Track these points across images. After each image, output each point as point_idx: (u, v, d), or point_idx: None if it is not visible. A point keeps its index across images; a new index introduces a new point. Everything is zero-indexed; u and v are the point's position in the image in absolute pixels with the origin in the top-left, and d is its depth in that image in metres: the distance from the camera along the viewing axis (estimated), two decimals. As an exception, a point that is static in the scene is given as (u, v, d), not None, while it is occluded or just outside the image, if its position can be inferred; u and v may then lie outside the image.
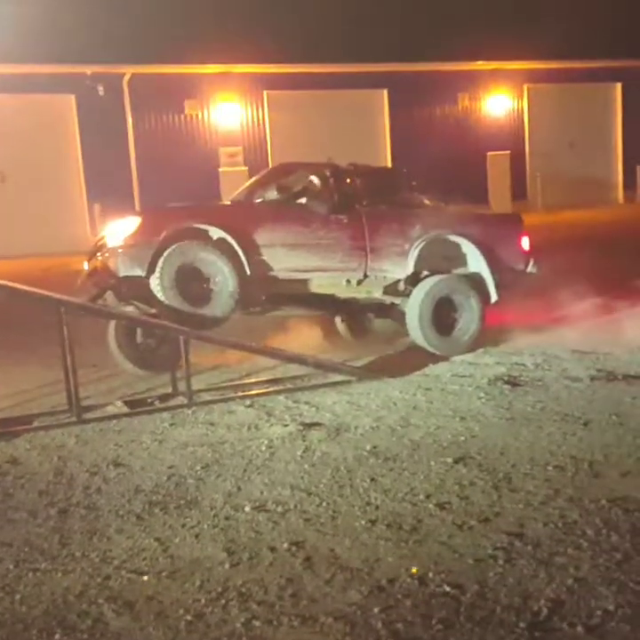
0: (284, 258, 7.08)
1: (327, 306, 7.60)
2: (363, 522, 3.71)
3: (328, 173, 7.47)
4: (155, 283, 6.64)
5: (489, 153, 25.83)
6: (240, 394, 6.27)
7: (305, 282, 7.27)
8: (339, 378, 6.47)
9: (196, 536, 3.73)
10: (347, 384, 6.36)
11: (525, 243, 7.71)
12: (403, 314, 7.36)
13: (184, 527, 3.86)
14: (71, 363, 5.75)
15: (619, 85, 27.87)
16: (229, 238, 6.95)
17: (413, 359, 7.12)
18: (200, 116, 23.43)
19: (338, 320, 8.09)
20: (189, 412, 5.89)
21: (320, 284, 7.31)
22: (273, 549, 3.50)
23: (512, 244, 7.66)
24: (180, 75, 22.75)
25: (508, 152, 26.46)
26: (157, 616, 2.99)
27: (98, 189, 21.68)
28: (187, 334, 6.12)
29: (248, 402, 6.06)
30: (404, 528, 3.62)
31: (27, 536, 3.86)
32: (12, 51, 19.72)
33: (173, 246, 6.71)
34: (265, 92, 24.04)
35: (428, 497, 3.97)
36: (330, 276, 7.27)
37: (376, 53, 23.49)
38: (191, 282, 6.74)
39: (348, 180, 7.57)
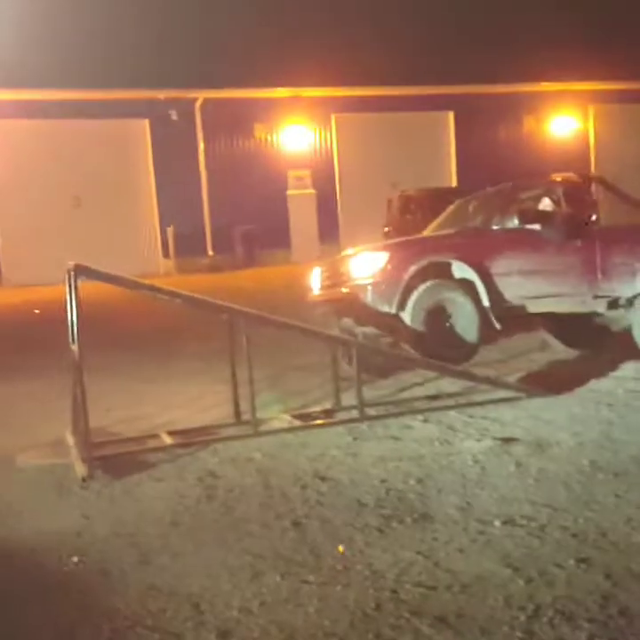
0: (519, 285, 7.12)
1: (545, 321, 7.71)
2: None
3: (563, 193, 7.40)
4: (406, 317, 6.90)
5: (554, 174, 25.59)
6: (411, 409, 6.13)
7: (534, 305, 7.30)
8: (506, 394, 6.28)
9: (460, 551, 3.55)
10: (516, 400, 6.17)
11: None
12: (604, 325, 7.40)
13: (437, 541, 3.68)
14: (249, 375, 5.63)
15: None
16: (473, 274, 7.06)
17: (567, 375, 6.92)
18: (269, 139, 23.58)
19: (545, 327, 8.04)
20: (364, 426, 5.74)
21: (548, 306, 7.32)
22: (560, 566, 3.30)
23: None
24: (250, 99, 22.96)
25: (574, 173, 26.21)
26: (483, 633, 2.81)
27: (170, 213, 21.87)
28: (359, 347, 5.98)
29: (420, 417, 5.90)
30: (693, 544, 3.41)
31: (274, 548, 3.71)
32: (88, 77, 20.04)
33: (425, 286, 6.91)
34: (333, 115, 24.16)
35: (698, 513, 3.76)
36: (560, 300, 7.24)
37: (442, 76, 23.50)
38: (439, 318, 6.98)
39: (581, 198, 7.54)
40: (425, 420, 5.80)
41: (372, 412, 6.08)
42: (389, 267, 7.02)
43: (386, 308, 6.95)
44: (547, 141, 26.32)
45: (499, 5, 24.07)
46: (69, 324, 5.29)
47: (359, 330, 7.22)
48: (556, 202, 7.39)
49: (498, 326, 7.10)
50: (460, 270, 7.13)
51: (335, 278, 7.38)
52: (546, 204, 7.40)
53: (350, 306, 7.09)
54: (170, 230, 21.63)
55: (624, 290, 7.24)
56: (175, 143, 22.01)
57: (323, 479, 4.66)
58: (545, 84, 25.39)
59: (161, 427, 6.04)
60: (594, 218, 7.47)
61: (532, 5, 24.10)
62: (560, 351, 7.94)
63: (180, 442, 5.49)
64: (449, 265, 7.13)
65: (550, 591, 3.10)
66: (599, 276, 7.23)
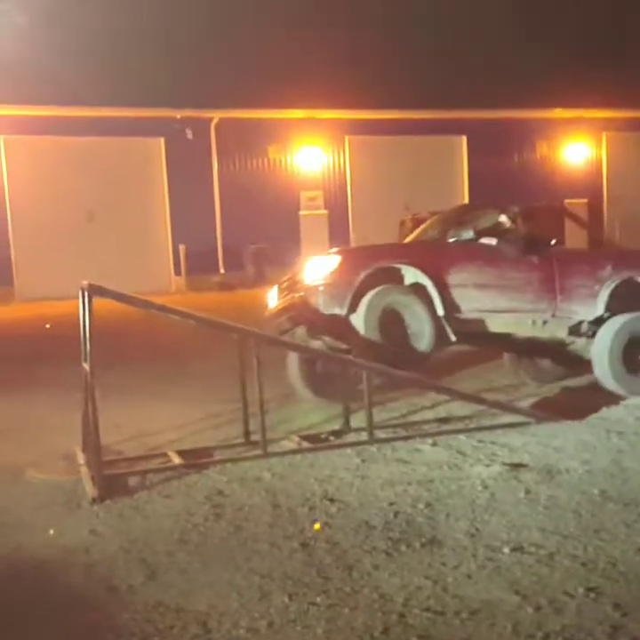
0: (475, 298, 7.05)
1: (506, 345, 7.53)
2: (651, 568, 3.49)
3: (519, 213, 7.43)
4: (357, 322, 6.69)
5: (566, 200, 25.60)
6: (419, 432, 6.12)
7: (491, 321, 7.19)
8: (515, 419, 6.27)
9: (469, 576, 3.55)
10: (525, 425, 6.16)
11: None
12: (576, 356, 7.21)
13: (445, 566, 3.68)
14: (259, 396, 5.64)
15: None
16: (425, 279, 6.97)
17: (577, 402, 6.91)
18: (283, 160, 23.70)
19: (506, 356, 7.95)
20: (373, 448, 5.74)
21: (506, 324, 7.22)
22: (569, 595, 3.29)
23: None
24: (265, 119, 23.09)
25: (586, 200, 26.23)
26: (490, 660, 2.81)
27: (182, 231, 21.98)
28: (368, 369, 5.99)
29: (429, 440, 5.89)
30: None
31: (282, 569, 3.72)
32: (104, 94, 20.23)
33: (377, 289, 6.76)
34: (346, 137, 24.27)
35: None
36: (518, 316, 7.18)
37: (456, 100, 23.60)
38: (392, 323, 6.78)
39: (539, 219, 7.56)
40: (434, 444, 5.79)
41: (381, 434, 6.07)
42: (341, 270, 6.91)
43: (337, 311, 6.79)
44: (559, 167, 26.36)
45: (514, 31, 24.23)
46: (82, 342, 5.32)
47: (318, 343, 7.10)
48: (512, 220, 7.37)
49: (453, 338, 6.96)
50: (411, 275, 6.99)
51: (290, 287, 7.28)
52: (502, 220, 7.37)
53: (303, 311, 6.97)
54: (182, 248, 21.73)
55: (584, 312, 7.24)
56: (190, 162, 22.14)
57: (331, 501, 4.66)
58: (558, 110, 25.47)
59: (170, 445, 6.05)
60: (554, 242, 7.43)
61: (547, 32, 24.25)
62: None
63: (189, 462, 5.48)
64: (399, 270, 7.01)
65: (559, 619, 3.09)
66: (558, 295, 7.20)
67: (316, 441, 6.01)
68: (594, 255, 7.62)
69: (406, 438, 5.98)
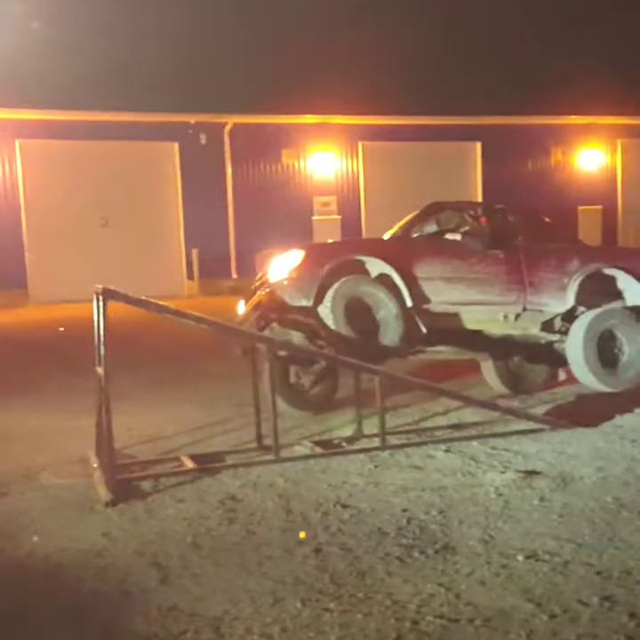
0: (443, 290, 7.06)
1: (481, 344, 7.47)
2: (668, 578, 3.47)
3: (482, 211, 7.56)
4: (325, 313, 6.65)
5: (580, 207, 25.54)
6: (432, 438, 6.11)
7: (462, 316, 7.20)
8: (529, 426, 6.24)
9: (482, 584, 3.53)
10: (539, 432, 6.14)
11: None
12: (558, 354, 7.22)
13: (459, 573, 3.66)
14: (272, 400, 5.65)
15: None
16: (390, 270, 6.96)
17: (591, 409, 6.88)
18: (296, 165, 23.72)
19: (485, 368, 7.88)
20: (386, 454, 5.73)
21: (478, 319, 7.23)
22: (584, 603, 3.27)
23: None
24: (279, 125, 23.12)
25: (600, 207, 26.15)
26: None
27: (195, 235, 22.04)
28: (381, 374, 5.98)
29: (443, 446, 5.88)
30: None
31: (295, 574, 3.71)
32: (120, 99, 20.33)
33: (342, 279, 6.73)
34: (360, 143, 24.28)
35: None
36: (487, 309, 7.20)
37: (470, 106, 23.58)
38: (360, 314, 6.73)
39: (502, 218, 7.63)
40: (447, 450, 5.78)
41: (393, 440, 6.06)
42: (306, 263, 6.88)
43: (303, 302, 6.73)
44: (574, 174, 26.28)
45: (528, 37, 24.21)
46: (96, 346, 5.34)
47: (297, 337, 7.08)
48: (476, 218, 7.45)
49: (424, 330, 6.92)
50: (376, 267, 6.98)
51: (258, 288, 7.25)
52: (466, 219, 7.43)
53: (270, 307, 6.92)
54: (195, 252, 21.77)
55: (555, 305, 7.29)
56: (203, 167, 22.21)
57: (344, 506, 4.66)
58: (573, 117, 25.41)
59: (183, 449, 6.06)
60: (519, 237, 7.53)
61: (562, 39, 24.21)
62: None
63: (201, 466, 5.49)
64: (363, 263, 7.00)
65: (574, 628, 3.07)
66: (527, 288, 7.25)
67: (329, 446, 6.00)
68: (561, 249, 7.64)
69: (419, 444, 5.96)
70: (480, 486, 4.92)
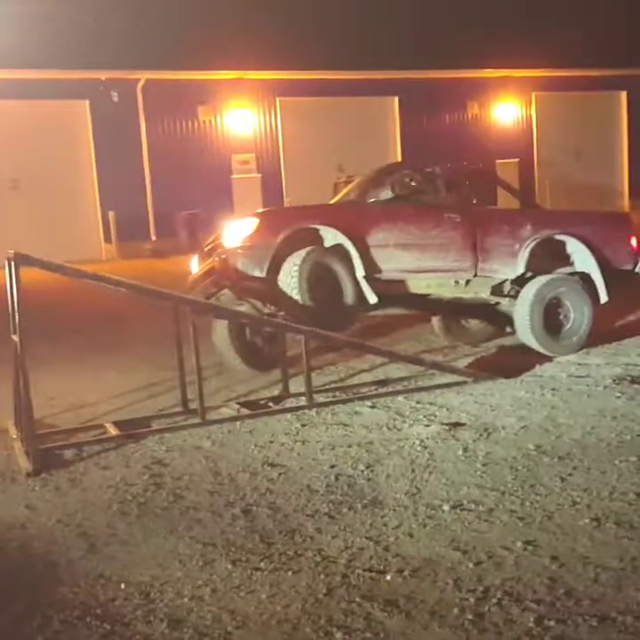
0: (397, 258, 7.02)
1: (432, 306, 7.54)
2: (586, 520, 3.58)
3: (438, 172, 7.45)
4: (289, 284, 6.56)
5: (498, 161, 25.87)
6: (358, 395, 6.16)
7: (414, 282, 7.19)
8: (453, 379, 6.35)
9: (410, 535, 3.59)
10: (462, 385, 6.25)
11: (634, 243, 7.65)
12: (505, 315, 7.28)
13: (387, 526, 3.71)
14: (196, 363, 5.58)
15: (624, 94, 28.10)
16: (344, 239, 6.88)
17: (513, 360, 7.02)
18: (213, 122, 23.29)
19: (435, 320, 8.00)
20: (312, 413, 5.74)
21: (429, 285, 7.24)
22: (508, 549, 3.36)
23: (622, 243, 7.57)
24: (194, 81, 22.61)
25: (517, 160, 26.57)
26: (433, 615, 2.85)
27: (111, 197, 21.49)
28: (306, 333, 5.97)
29: (369, 403, 5.93)
30: (636, 526, 3.50)
31: (225, 536, 3.70)
32: (26, 56, 19.52)
33: (303, 251, 6.64)
34: (277, 99, 23.97)
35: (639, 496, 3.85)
36: (440, 276, 7.20)
37: (387, 61, 23.49)
38: (318, 285, 6.67)
39: (457, 180, 7.54)
40: (373, 406, 5.83)
41: (320, 398, 6.07)
42: (260, 232, 6.81)
43: (257, 273, 6.67)
44: (491, 127, 26.59)
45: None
46: (10, 313, 5.16)
47: (245, 307, 7.02)
48: (431, 180, 7.39)
49: (373, 299, 6.89)
50: (331, 236, 6.94)
51: (211, 251, 7.15)
52: (418, 180, 7.35)
53: (225, 274, 6.85)
54: (111, 214, 21.24)
55: (506, 271, 7.32)
56: (116, 125, 21.57)
57: (272, 466, 4.66)
58: (488, 70, 25.61)
59: (106, 415, 5.96)
60: (474, 201, 7.54)
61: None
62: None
63: (126, 433, 5.40)
64: (317, 231, 6.95)
65: (499, 573, 3.15)
66: (479, 254, 7.26)
67: (256, 407, 5.98)
68: (513, 214, 7.70)
69: (345, 401, 6.00)
70: (406, 440, 4.98)
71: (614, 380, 6.03)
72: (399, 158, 25.30)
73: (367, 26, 23.47)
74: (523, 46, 23.88)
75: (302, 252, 6.62)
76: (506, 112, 26.52)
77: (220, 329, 6.83)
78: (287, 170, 24.17)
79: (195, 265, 7.34)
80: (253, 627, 2.88)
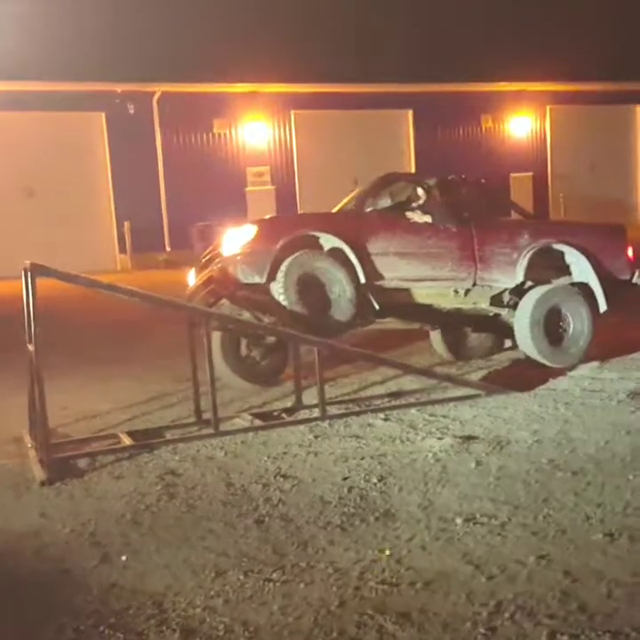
0: (396, 266, 7.04)
1: (431, 317, 7.51)
2: (599, 535, 3.57)
3: (436, 184, 7.46)
4: (277, 289, 6.58)
5: (512, 174, 25.88)
6: (371, 407, 6.16)
7: (413, 291, 7.20)
8: (466, 392, 6.34)
9: (422, 548, 3.59)
10: (475, 398, 6.24)
11: (630, 253, 7.67)
12: (506, 326, 7.31)
13: (399, 539, 3.71)
14: (210, 374, 5.60)
15: (639, 108, 28.04)
16: (344, 246, 6.89)
17: (526, 373, 7.02)
18: (228, 134, 23.41)
19: (434, 336, 7.98)
20: (325, 425, 5.75)
21: (429, 294, 7.25)
22: (521, 563, 3.35)
23: (619, 253, 7.60)
24: (209, 93, 22.73)
25: (531, 173, 26.55)
26: (445, 628, 2.85)
27: (126, 207, 21.61)
28: (320, 345, 5.98)
29: (382, 415, 5.93)
30: (650, 541, 3.49)
31: (237, 546, 3.71)
32: (43, 69, 19.72)
33: (295, 255, 6.64)
34: (292, 112, 24.06)
35: (655, 511, 3.84)
36: (439, 285, 7.21)
37: (401, 74, 23.56)
38: (311, 289, 6.68)
39: (455, 191, 7.58)
40: (386, 419, 5.83)
41: (333, 410, 6.09)
42: (259, 239, 6.82)
43: (257, 279, 6.67)
44: (505, 141, 26.58)
45: (458, 4, 24.25)
46: (26, 323, 5.21)
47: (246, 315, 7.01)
48: (428, 191, 7.42)
49: (376, 306, 6.93)
50: (330, 243, 6.96)
51: (209, 262, 7.16)
52: (419, 192, 7.40)
53: (222, 283, 6.86)
54: (126, 225, 21.35)
55: (505, 280, 7.33)
56: (132, 137, 21.71)
57: (285, 477, 4.67)
58: (503, 83, 25.64)
59: (120, 425, 5.99)
60: (473, 212, 7.54)
61: (491, 5, 24.33)
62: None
63: (139, 443, 5.42)
64: (317, 238, 6.97)
65: (511, 587, 3.15)
66: (478, 263, 7.28)
67: (269, 418, 6.00)
68: (511, 224, 7.75)
69: (358, 413, 6.00)
70: (419, 452, 4.98)
71: (628, 395, 6.01)
72: (413, 170, 25.33)
73: (381, 39, 23.56)
74: (537, 60, 23.91)
75: (291, 256, 6.64)
76: (520, 125, 26.50)
77: (215, 340, 6.79)
78: (301, 182, 24.25)
79: (192, 277, 7.36)
80: (265, 638, 2.89)
